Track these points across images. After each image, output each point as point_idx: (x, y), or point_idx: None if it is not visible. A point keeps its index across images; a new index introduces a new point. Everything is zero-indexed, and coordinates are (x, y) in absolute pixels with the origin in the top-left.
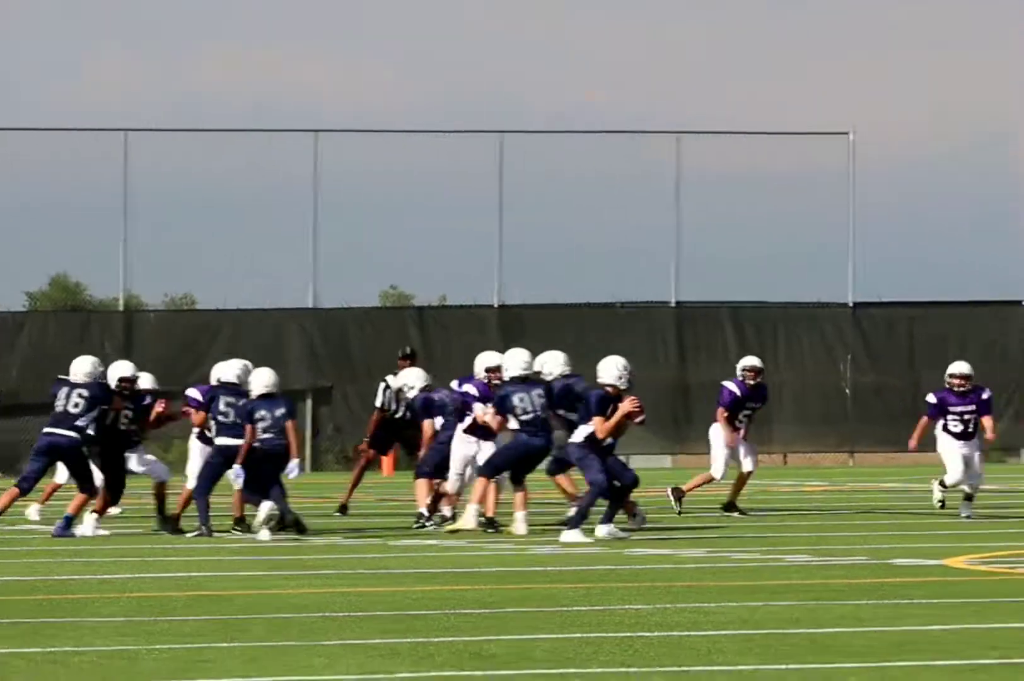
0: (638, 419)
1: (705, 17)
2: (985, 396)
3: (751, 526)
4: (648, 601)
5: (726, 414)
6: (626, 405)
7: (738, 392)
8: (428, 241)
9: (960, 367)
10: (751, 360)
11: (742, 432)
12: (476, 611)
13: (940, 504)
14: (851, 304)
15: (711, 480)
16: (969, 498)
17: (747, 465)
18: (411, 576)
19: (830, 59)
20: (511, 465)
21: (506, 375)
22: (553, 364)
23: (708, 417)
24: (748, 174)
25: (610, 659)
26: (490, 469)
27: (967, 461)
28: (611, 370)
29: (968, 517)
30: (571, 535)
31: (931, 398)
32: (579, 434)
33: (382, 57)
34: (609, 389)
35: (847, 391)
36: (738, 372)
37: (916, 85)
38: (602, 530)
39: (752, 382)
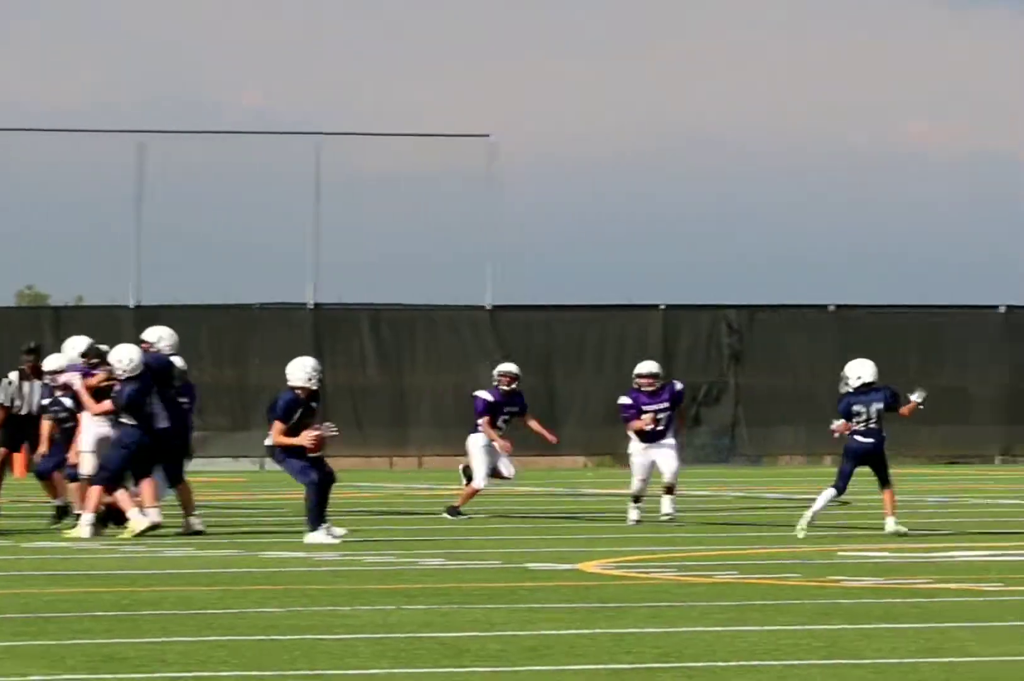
0: (316, 454)
1: (345, 21)
2: (678, 388)
3: (384, 529)
4: (283, 604)
5: (488, 421)
6: (305, 439)
7: (491, 398)
8: (64, 241)
9: (647, 366)
10: (507, 366)
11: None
12: (110, 614)
13: (634, 523)
14: (489, 307)
15: (476, 491)
16: (670, 490)
17: (507, 471)
18: (43, 578)
19: (470, 61)
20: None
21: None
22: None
23: (346, 421)
24: (390, 175)
25: (244, 662)
26: (102, 478)
27: (659, 460)
28: (298, 372)
29: (670, 517)
30: (314, 537)
31: (624, 400)
32: (269, 438)
33: None
34: (299, 392)
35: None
36: (494, 377)
37: (556, 89)
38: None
39: (507, 387)
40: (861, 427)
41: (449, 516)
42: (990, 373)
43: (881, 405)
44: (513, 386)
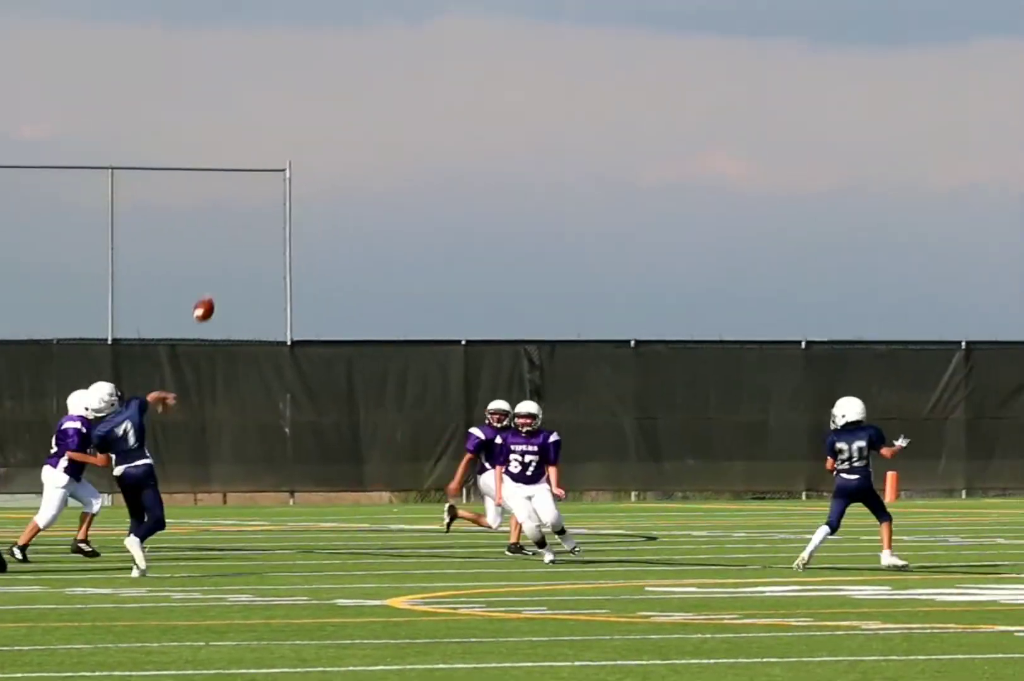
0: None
1: (132, 55)
2: (552, 439)
3: (190, 566)
4: (89, 640)
5: (486, 461)
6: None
7: (482, 436)
8: None
9: (527, 407)
10: (496, 404)
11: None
12: None
13: (551, 562)
14: (289, 342)
15: (489, 526)
16: (560, 533)
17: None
18: None
19: (266, 93)
20: None
21: None
22: None
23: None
24: (186, 210)
25: None
26: None
27: (538, 507)
28: (93, 400)
29: (552, 561)
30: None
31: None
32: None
33: None
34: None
35: (286, 430)
36: (487, 415)
37: (355, 122)
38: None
39: (498, 425)
40: (845, 465)
41: (510, 553)
42: (792, 408)
43: (864, 443)
44: (503, 422)
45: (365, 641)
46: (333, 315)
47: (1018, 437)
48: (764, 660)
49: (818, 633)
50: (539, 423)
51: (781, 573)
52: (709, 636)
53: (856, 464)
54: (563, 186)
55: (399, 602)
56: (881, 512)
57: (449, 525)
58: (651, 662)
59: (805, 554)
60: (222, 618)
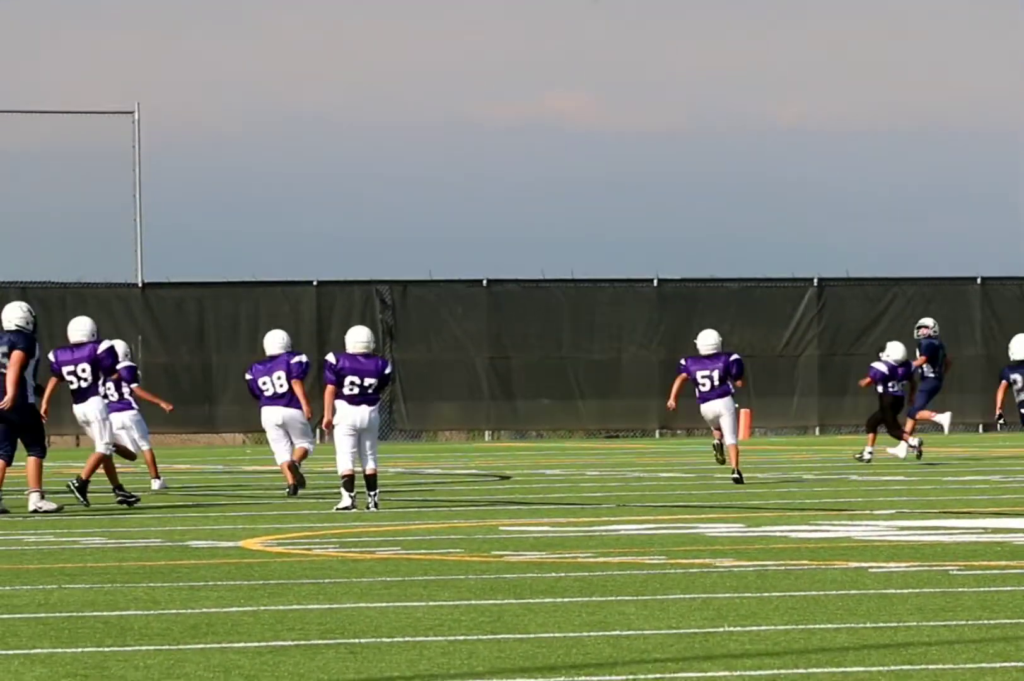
0: None
1: None
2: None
3: (42, 510)
4: None
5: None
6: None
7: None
8: None
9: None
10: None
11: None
12: None
13: (347, 507)
14: (140, 284)
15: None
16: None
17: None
18: None
19: (116, 35)
20: None
21: None
22: None
23: None
24: (33, 152)
25: None
26: None
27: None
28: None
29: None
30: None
31: (331, 357)
32: None
33: None
34: None
35: (138, 372)
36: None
37: (202, 63)
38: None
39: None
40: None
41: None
42: (644, 346)
43: None
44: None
45: (218, 583)
46: (184, 257)
47: None
48: (618, 598)
49: (672, 571)
50: None
51: (634, 511)
52: (563, 575)
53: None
54: (414, 125)
55: (252, 543)
56: None
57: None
58: (505, 601)
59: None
60: (75, 561)
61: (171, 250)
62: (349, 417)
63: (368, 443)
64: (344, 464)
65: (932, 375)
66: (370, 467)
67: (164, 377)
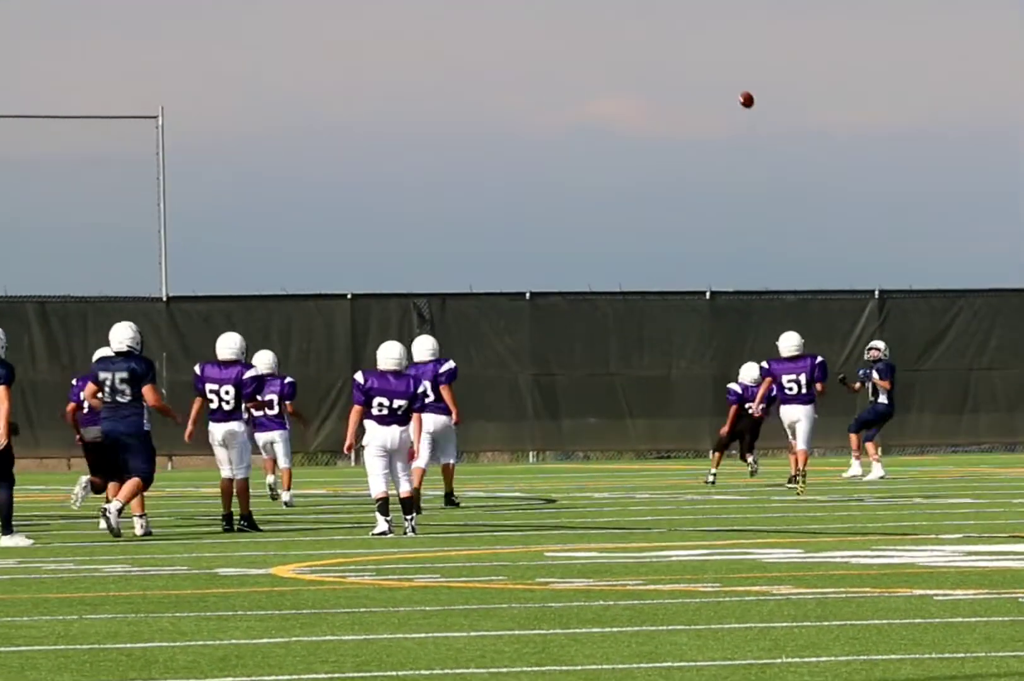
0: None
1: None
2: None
3: (63, 535)
4: None
5: None
6: None
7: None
8: None
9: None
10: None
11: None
12: None
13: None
14: (164, 298)
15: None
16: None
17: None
18: None
19: (135, 39)
20: None
21: None
22: None
23: (17, 420)
24: (53, 160)
25: None
26: None
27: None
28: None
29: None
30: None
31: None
32: None
33: None
34: None
35: (162, 391)
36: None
37: (233, 67)
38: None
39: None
40: None
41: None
42: (696, 362)
43: None
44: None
45: (248, 612)
46: (211, 269)
47: (935, 391)
48: (670, 628)
49: (726, 599)
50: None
51: (687, 536)
52: (612, 603)
53: None
54: (451, 134)
55: (284, 571)
56: None
57: None
58: (551, 631)
59: None
60: (97, 590)
61: (197, 262)
62: (379, 438)
63: (400, 464)
64: (377, 487)
65: (886, 401)
66: (405, 489)
67: (191, 395)
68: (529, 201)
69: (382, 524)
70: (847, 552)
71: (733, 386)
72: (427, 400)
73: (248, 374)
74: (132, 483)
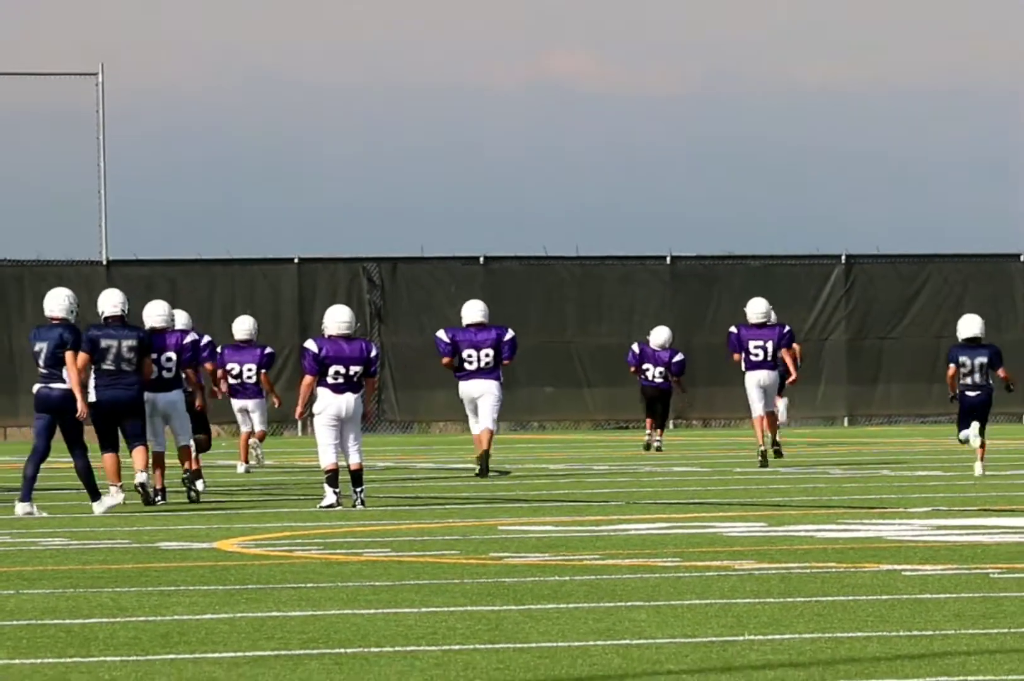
0: None
1: None
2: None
3: None
4: None
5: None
6: None
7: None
8: None
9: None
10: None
11: None
12: None
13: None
14: (105, 262)
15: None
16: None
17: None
18: None
19: None
20: None
21: None
22: None
23: None
24: None
25: None
26: None
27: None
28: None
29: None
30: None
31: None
32: None
33: None
34: None
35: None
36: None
37: (173, 22)
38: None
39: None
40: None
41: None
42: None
43: (985, 360)
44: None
45: (191, 587)
46: (152, 232)
47: (904, 359)
48: (628, 604)
49: (687, 574)
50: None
51: (646, 509)
52: (567, 579)
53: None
54: (403, 89)
55: (228, 544)
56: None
57: None
58: (505, 607)
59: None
60: (34, 564)
61: (138, 225)
62: (333, 406)
63: (352, 435)
64: (327, 458)
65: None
66: (355, 461)
67: None
68: (484, 161)
69: (330, 496)
70: (812, 526)
71: (633, 347)
72: (471, 367)
73: (187, 340)
74: (142, 451)
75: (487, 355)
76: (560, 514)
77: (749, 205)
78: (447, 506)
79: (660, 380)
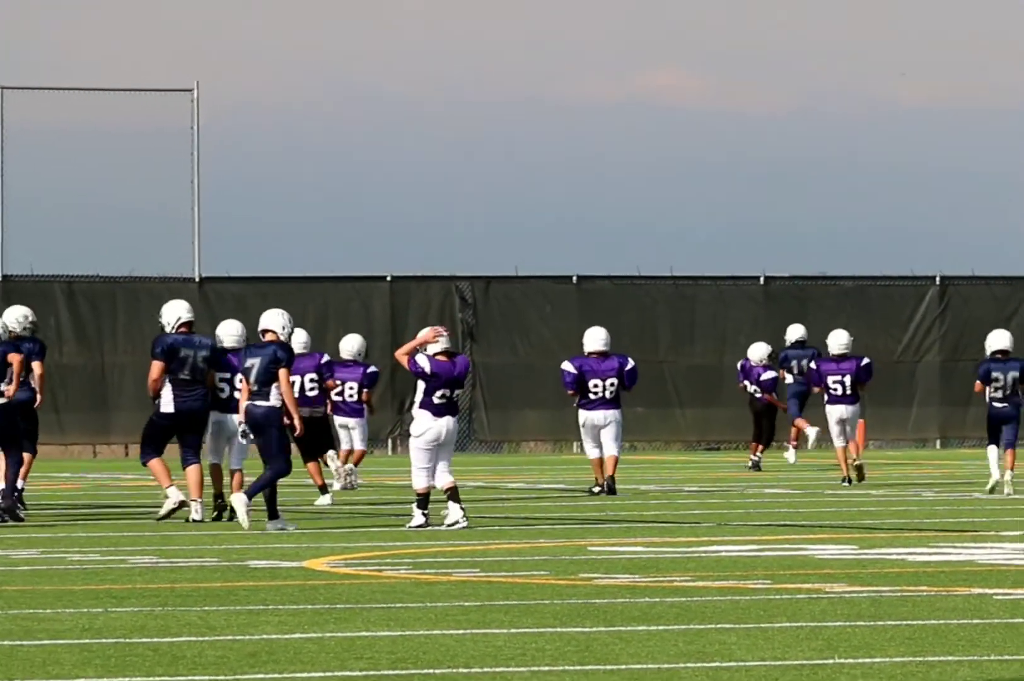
0: None
1: None
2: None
3: (88, 524)
4: None
5: None
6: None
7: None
8: None
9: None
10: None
11: None
12: None
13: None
14: (197, 278)
15: None
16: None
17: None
18: None
19: (174, 11)
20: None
21: None
22: None
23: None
24: (85, 134)
25: None
26: None
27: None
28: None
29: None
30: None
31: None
32: None
33: None
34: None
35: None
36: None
37: (268, 38)
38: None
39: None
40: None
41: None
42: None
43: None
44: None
45: (280, 607)
46: (245, 249)
47: None
48: (718, 626)
49: (777, 596)
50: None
51: (737, 531)
52: (657, 600)
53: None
54: (497, 106)
55: (317, 563)
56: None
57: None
58: (594, 629)
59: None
60: (123, 582)
61: (231, 241)
62: (435, 430)
63: (447, 458)
64: (420, 481)
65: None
66: (448, 480)
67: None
68: (576, 180)
69: (419, 517)
70: (903, 549)
71: (739, 364)
72: (595, 397)
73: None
74: (197, 471)
75: (612, 384)
76: (651, 535)
77: (843, 225)
78: (537, 526)
79: (758, 396)
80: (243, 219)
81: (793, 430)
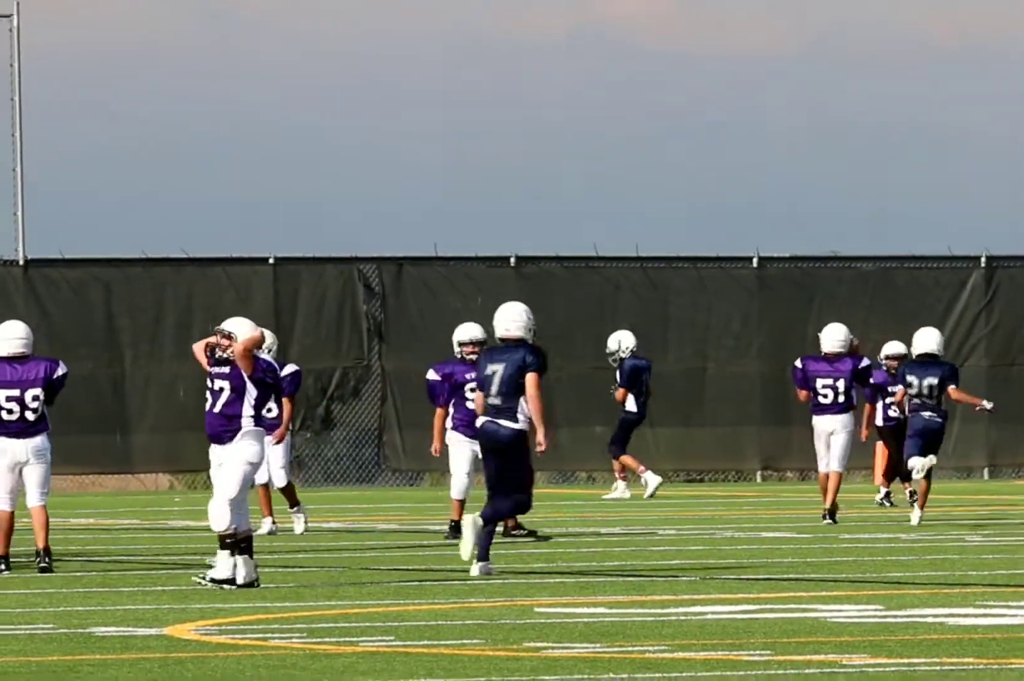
0: None
1: None
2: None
3: None
4: None
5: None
6: None
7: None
8: None
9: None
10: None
11: None
12: None
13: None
14: (21, 261)
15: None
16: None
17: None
18: None
19: None
20: None
21: None
22: None
23: None
24: None
25: None
26: None
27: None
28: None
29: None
30: None
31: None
32: None
33: None
34: None
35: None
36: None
37: None
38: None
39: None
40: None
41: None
42: (739, 351)
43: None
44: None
45: None
46: (82, 226)
47: None
48: None
49: (780, 672)
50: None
51: (726, 586)
52: (626, 677)
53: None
54: (406, 42)
55: (183, 630)
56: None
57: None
58: None
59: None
60: None
61: (64, 217)
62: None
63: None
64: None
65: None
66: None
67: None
68: (512, 136)
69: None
70: (942, 609)
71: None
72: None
73: (58, 372)
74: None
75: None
76: (616, 592)
77: (859, 193)
78: (467, 582)
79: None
80: (79, 187)
81: (616, 465)
